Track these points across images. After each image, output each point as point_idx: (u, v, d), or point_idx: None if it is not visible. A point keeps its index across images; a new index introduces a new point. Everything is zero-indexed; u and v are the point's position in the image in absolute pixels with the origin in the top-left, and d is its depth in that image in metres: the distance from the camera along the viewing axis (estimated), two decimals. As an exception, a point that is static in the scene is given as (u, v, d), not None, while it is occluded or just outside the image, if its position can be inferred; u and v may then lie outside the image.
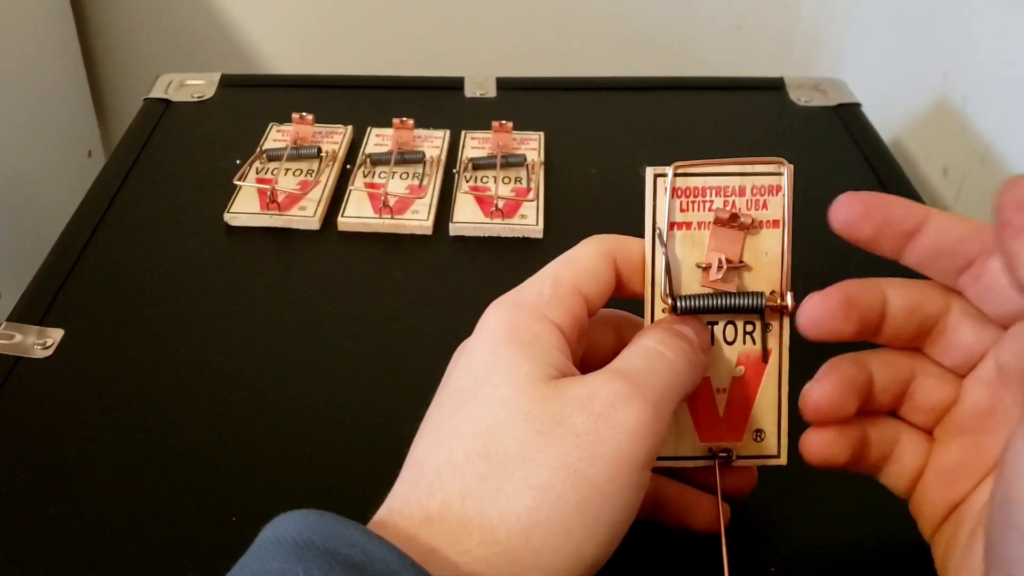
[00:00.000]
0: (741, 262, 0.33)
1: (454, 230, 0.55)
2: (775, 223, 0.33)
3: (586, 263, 0.33)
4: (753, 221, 0.33)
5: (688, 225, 0.33)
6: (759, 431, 0.34)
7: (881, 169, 0.62)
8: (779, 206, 0.33)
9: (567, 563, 0.27)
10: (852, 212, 0.30)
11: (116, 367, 0.46)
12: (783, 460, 0.35)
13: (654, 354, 0.31)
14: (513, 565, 0.27)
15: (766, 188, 0.33)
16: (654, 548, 0.37)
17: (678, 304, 0.33)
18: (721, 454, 0.34)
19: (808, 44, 1.02)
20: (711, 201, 0.33)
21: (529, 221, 0.56)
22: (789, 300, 0.33)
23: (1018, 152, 0.60)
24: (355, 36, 1.07)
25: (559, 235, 0.55)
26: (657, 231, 0.33)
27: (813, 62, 1.00)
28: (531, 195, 0.57)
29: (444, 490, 0.28)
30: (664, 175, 0.33)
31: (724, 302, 0.33)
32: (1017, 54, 0.61)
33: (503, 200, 0.56)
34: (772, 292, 0.33)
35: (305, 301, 0.51)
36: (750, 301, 0.33)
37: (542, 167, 0.60)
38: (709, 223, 0.33)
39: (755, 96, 0.70)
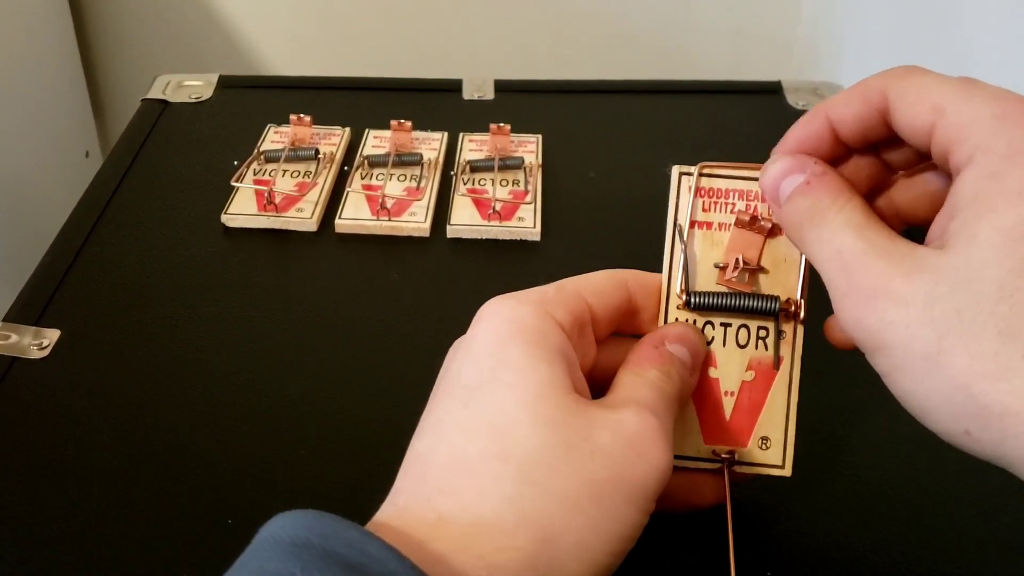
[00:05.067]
0: (759, 266, 0.34)
1: (452, 232, 0.55)
2: None
3: (593, 279, 0.34)
4: (773, 226, 0.33)
5: (708, 225, 0.34)
6: (765, 439, 0.34)
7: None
8: None
9: (585, 572, 0.28)
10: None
11: (112, 368, 0.46)
12: (787, 471, 0.35)
13: (661, 386, 0.32)
14: (533, 570, 0.27)
15: None
16: (652, 549, 0.37)
17: (692, 300, 0.33)
18: (725, 455, 0.34)
19: (807, 48, 1.02)
20: (733, 203, 0.34)
21: (527, 224, 0.56)
22: (803, 308, 0.33)
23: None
24: (353, 38, 1.07)
25: (557, 238, 0.55)
26: (677, 227, 0.34)
27: (811, 66, 1.01)
28: (529, 198, 0.57)
29: (456, 489, 0.28)
30: (689, 174, 0.34)
31: (738, 302, 0.33)
32: (1015, 61, 0.61)
33: (501, 202, 0.56)
34: (788, 299, 0.33)
35: (302, 303, 0.51)
36: (764, 304, 0.33)
37: (540, 170, 0.60)
38: (730, 224, 0.34)
39: (753, 100, 0.70)
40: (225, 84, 0.71)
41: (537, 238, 0.55)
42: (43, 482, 0.40)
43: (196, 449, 0.42)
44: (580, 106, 0.70)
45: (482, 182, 0.59)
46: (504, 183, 0.59)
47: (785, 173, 0.31)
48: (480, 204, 0.57)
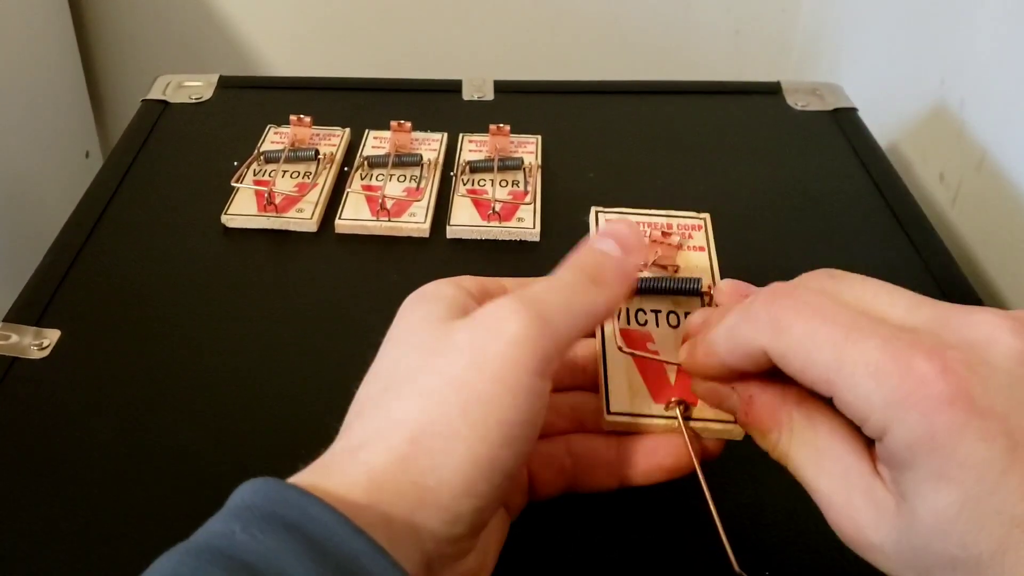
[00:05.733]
0: (675, 267, 0.39)
1: (451, 233, 0.56)
2: (701, 248, 0.41)
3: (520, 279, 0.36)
4: (681, 243, 0.40)
5: None
6: None
7: (877, 174, 0.62)
8: (703, 238, 0.41)
9: (462, 464, 0.28)
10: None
11: (112, 368, 0.46)
12: (740, 432, 0.34)
13: (554, 279, 0.33)
14: (407, 466, 0.28)
15: (691, 226, 0.42)
16: (641, 545, 0.37)
17: None
18: (676, 403, 0.35)
19: (806, 49, 1.02)
20: (646, 231, 0.41)
21: (526, 224, 0.56)
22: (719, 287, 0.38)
23: (1014, 157, 0.60)
24: (353, 38, 1.07)
25: (556, 238, 0.55)
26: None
27: (810, 67, 1.01)
28: (528, 198, 0.57)
29: (350, 426, 0.31)
30: (604, 211, 0.42)
31: (664, 284, 0.38)
32: (1014, 60, 0.61)
33: (500, 203, 0.56)
34: (708, 286, 0.38)
35: (302, 303, 0.51)
36: (687, 284, 0.38)
37: (539, 170, 0.61)
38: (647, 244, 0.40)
39: (752, 100, 0.70)
40: (225, 84, 0.71)
41: (536, 238, 0.55)
42: (42, 481, 0.40)
43: (196, 448, 0.42)
44: (580, 107, 0.70)
45: (482, 183, 0.59)
46: (504, 184, 0.59)
47: (716, 395, 0.33)
48: (480, 205, 0.57)
